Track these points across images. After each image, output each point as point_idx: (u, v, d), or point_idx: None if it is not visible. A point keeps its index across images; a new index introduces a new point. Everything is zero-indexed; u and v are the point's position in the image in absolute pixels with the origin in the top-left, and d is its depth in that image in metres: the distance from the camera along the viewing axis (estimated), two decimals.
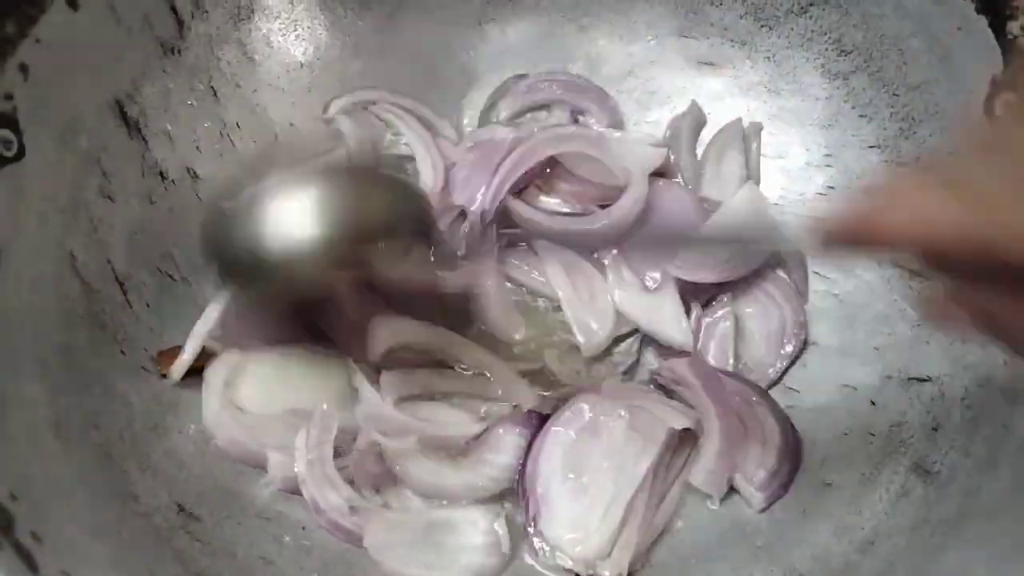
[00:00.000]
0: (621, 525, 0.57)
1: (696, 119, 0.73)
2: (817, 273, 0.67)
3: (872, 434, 0.60)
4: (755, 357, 0.65)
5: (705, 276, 0.65)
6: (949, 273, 0.39)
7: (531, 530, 0.58)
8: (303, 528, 0.59)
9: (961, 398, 0.57)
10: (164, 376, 0.61)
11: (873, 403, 0.62)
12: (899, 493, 0.57)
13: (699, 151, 0.73)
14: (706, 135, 0.73)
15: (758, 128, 0.72)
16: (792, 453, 0.61)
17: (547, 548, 0.57)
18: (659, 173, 0.71)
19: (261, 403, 0.61)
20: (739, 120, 0.72)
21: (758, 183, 0.71)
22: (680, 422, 0.59)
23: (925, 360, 0.61)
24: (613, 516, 0.57)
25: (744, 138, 0.72)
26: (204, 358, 0.62)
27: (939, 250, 0.36)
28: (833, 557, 0.56)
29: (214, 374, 0.61)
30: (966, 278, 0.38)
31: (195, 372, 0.62)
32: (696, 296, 0.66)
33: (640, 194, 0.67)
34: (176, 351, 0.62)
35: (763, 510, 0.60)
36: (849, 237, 0.39)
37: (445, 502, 0.59)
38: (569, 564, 0.57)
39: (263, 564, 0.57)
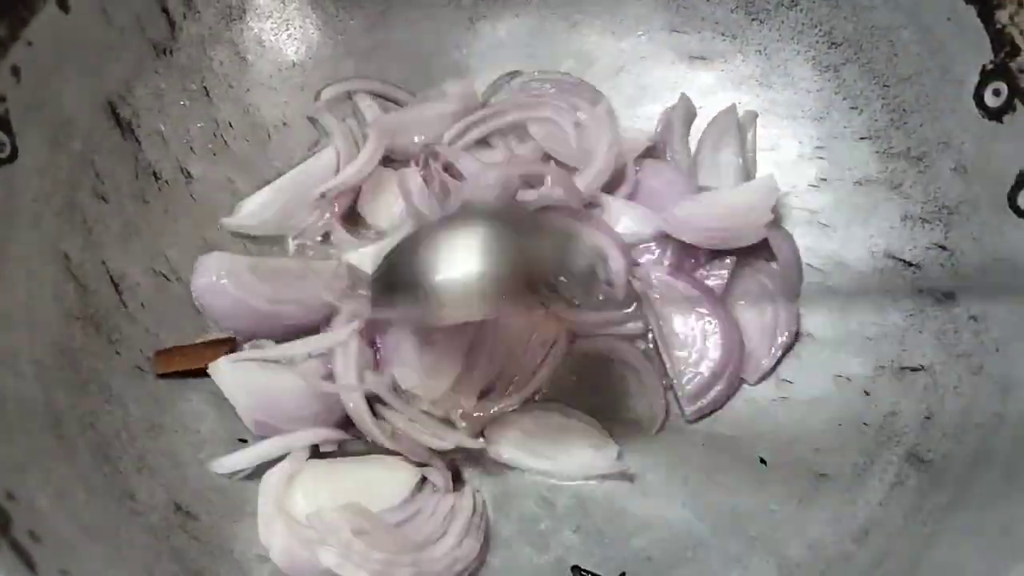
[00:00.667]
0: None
1: (687, 111, 0.73)
2: (810, 265, 0.68)
3: (866, 424, 0.61)
4: (748, 348, 0.66)
5: (694, 238, 0.66)
6: None
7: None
8: None
9: (954, 387, 0.58)
10: (159, 376, 0.61)
11: (867, 393, 0.62)
12: (893, 483, 0.57)
13: (692, 144, 0.73)
14: (697, 129, 0.74)
15: (753, 117, 0.72)
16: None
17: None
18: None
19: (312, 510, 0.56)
20: (733, 107, 0.72)
21: (754, 173, 0.71)
22: None
23: (918, 350, 0.61)
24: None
25: (739, 127, 0.72)
26: (202, 358, 0.62)
27: None
28: (828, 547, 0.56)
29: (268, 482, 0.58)
30: None
31: (192, 374, 0.62)
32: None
33: (604, 166, 0.68)
34: (172, 352, 0.62)
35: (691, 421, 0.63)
36: None
37: None
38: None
39: (260, 562, 0.57)
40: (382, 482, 0.58)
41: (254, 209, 0.68)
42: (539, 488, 0.62)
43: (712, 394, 0.64)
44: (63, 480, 0.52)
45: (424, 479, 0.60)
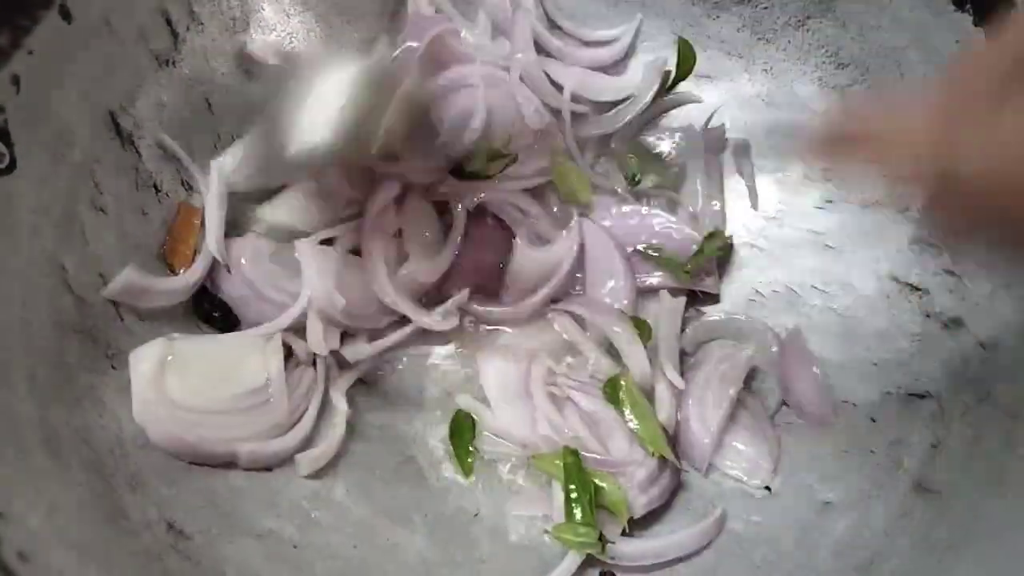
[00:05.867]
0: None
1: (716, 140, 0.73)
2: (815, 287, 0.67)
3: (872, 451, 0.60)
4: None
5: None
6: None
7: None
8: (294, 547, 0.58)
9: (962, 414, 0.57)
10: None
11: (872, 420, 0.61)
12: (900, 512, 0.56)
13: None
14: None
15: (746, 148, 0.72)
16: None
17: None
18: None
19: (191, 393, 0.59)
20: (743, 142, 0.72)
21: (756, 200, 0.71)
22: None
23: (925, 376, 0.60)
24: None
25: (734, 158, 0.72)
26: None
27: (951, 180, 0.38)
28: None
29: (139, 361, 0.59)
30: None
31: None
32: None
33: None
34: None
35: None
36: (851, 146, 0.43)
37: None
38: None
39: None
40: (249, 359, 0.61)
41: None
42: None
43: (656, 490, 0.60)
44: (55, 498, 0.51)
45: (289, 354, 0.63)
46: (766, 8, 0.70)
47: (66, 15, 0.58)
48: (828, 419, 0.62)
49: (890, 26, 0.64)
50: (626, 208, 0.70)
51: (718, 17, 0.72)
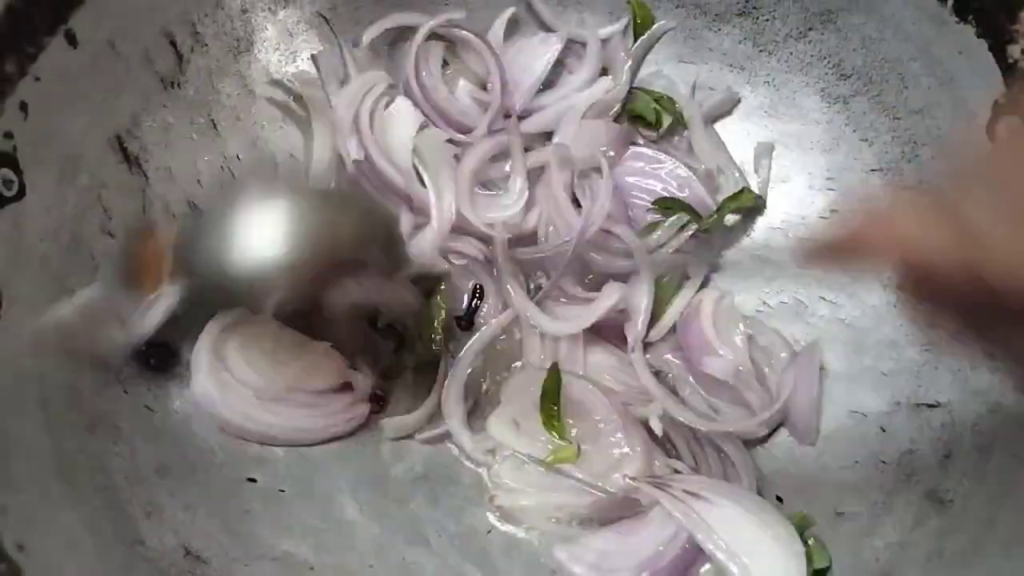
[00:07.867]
0: None
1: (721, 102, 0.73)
2: (823, 298, 0.67)
3: (883, 462, 0.60)
4: None
5: None
6: (930, 297, 0.40)
7: None
8: (310, 568, 0.58)
9: (972, 424, 0.57)
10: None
11: (883, 430, 0.61)
12: (913, 523, 0.56)
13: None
14: None
15: (769, 148, 0.72)
16: None
17: None
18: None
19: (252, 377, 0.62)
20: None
21: (765, 204, 0.71)
22: None
23: (934, 385, 0.61)
24: None
25: (755, 158, 0.72)
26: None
27: (924, 273, 0.37)
28: None
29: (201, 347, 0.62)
30: (946, 302, 0.39)
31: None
32: None
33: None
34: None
35: None
36: (835, 252, 0.42)
37: None
38: None
39: None
40: (315, 367, 0.63)
41: None
42: None
43: None
44: (72, 527, 0.51)
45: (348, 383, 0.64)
46: (767, 20, 0.70)
47: (72, 40, 0.58)
48: (811, 439, 0.63)
49: (892, 37, 0.64)
50: (650, 154, 0.71)
51: (719, 30, 0.72)
